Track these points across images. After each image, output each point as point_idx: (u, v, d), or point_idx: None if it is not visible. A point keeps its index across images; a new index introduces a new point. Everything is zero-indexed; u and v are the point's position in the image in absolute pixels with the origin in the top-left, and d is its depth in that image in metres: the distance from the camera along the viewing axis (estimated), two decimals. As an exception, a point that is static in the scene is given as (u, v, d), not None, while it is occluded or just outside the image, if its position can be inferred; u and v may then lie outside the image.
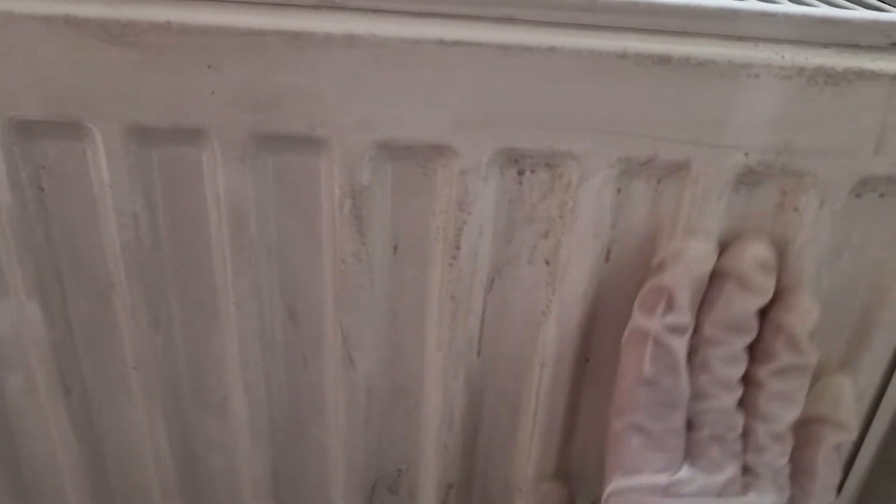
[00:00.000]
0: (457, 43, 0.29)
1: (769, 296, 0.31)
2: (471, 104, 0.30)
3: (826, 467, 0.34)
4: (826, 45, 0.30)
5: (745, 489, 0.31)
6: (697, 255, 0.31)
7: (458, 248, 0.33)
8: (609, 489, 0.31)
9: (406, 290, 0.35)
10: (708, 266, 0.31)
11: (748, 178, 0.32)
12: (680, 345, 0.31)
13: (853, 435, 0.35)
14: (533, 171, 0.32)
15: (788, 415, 0.32)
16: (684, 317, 0.31)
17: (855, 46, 0.30)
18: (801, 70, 0.30)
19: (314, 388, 0.38)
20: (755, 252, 0.31)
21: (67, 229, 0.34)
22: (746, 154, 0.31)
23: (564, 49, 0.29)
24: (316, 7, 0.29)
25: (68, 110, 0.31)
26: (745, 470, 0.32)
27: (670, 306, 0.31)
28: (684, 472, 0.30)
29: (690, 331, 0.31)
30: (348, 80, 0.30)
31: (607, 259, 0.34)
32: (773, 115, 0.30)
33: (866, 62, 0.30)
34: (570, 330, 0.35)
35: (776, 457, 0.32)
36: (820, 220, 0.33)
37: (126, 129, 0.31)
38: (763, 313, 0.32)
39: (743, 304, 0.31)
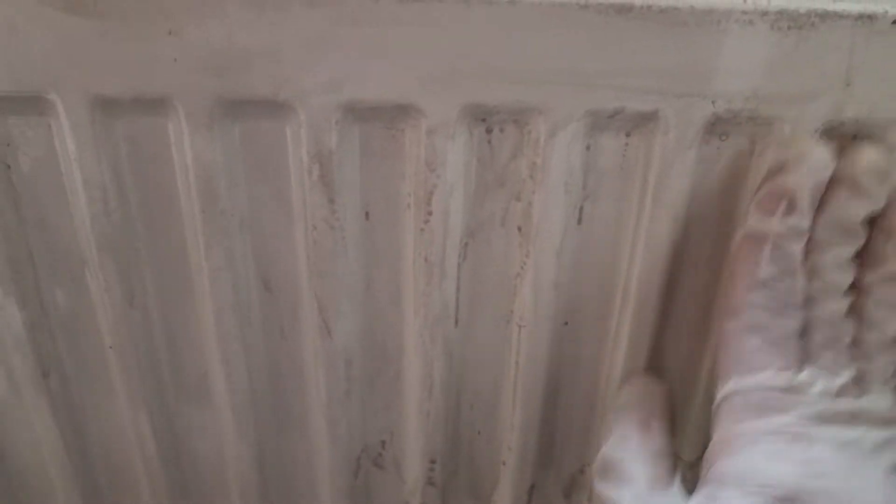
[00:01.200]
0: (417, -1, 0.29)
1: (882, 202, 0.31)
2: (435, 61, 0.30)
3: None
4: (788, -12, 0.30)
5: (860, 395, 0.31)
6: (820, 158, 0.31)
7: (429, 210, 0.33)
8: (726, 389, 0.31)
9: (380, 256, 0.35)
10: (828, 171, 0.31)
11: (719, 128, 0.32)
12: (798, 248, 0.30)
13: None
14: (501, 129, 0.32)
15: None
16: (804, 220, 0.30)
17: (817, -12, 0.30)
18: (763, 14, 0.30)
19: (293, 360, 0.38)
20: (870, 157, 0.31)
21: (36, 206, 0.34)
22: (714, 102, 0.31)
23: (525, 1, 0.29)
24: (277, -33, 0.29)
25: (29, 83, 0.30)
26: (857, 378, 0.31)
27: (791, 209, 0.30)
28: (805, 374, 0.30)
29: (807, 235, 0.31)
30: (311, 40, 0.30)
31: (580, 218, 0.34)
32: (738, 62, 0.30)
33: (829, 3, 0.30)
34: (545, 290, 0.35)
35: (886, 364, 0.31)
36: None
37: (89, 100, 0.31)
38: (872, 220, 0.31)
39: (856, 209, 0.31)
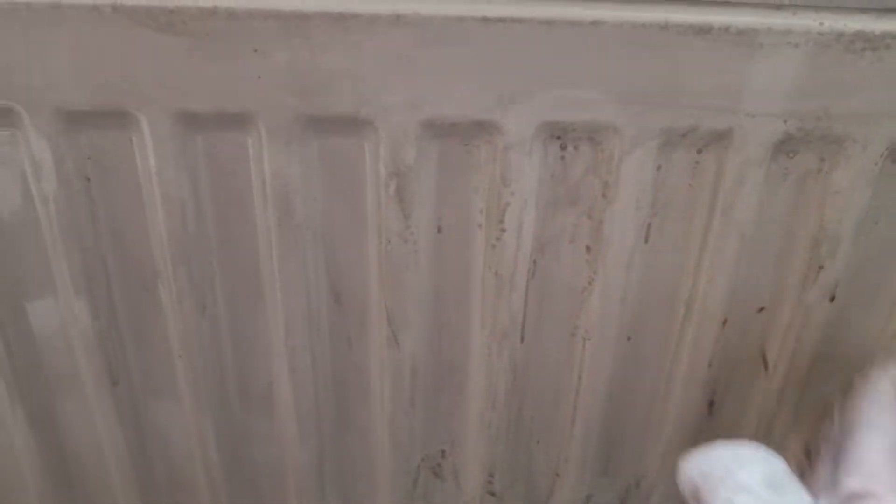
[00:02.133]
0: (500, 19, 0.29)
1: None
2: (515, 79, 0.31)
3: None
4: (864, 10, 0.30)
5: None
6: None
7: (502, 224, 0.34)
8: None
9: (450, 270, 0.35)
10: None
11: (787, 146, 0.33)
12: None
13: None
14: (575, 147, 0.33)
15: None
16: None
17: (893, 10, 0.30)
18: (839, 36, 0.30)
19: (359, 370, 0.38)
20: None
21: (113, 219, 0.34)
22: (786, 121, 0.32)
23: (608, 22, 0.30)
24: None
25: (115, 99, 0.31)
26: None
27: None
28: None
29: None
30: (393, 59, 0.30)
31: (648, 235, 0.35)
32: (812, 82, 0.31)
33: (903, 25, 0.30)
34: (612, 305, 0.36)
35: None
36: (857, 185, 0.33)
37: (173, 116, 0.31)
38: None
39: None
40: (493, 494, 0.42)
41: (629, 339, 0.37)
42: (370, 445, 0.40)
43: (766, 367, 0.38)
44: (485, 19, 0.30)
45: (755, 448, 0.30)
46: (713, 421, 0.40)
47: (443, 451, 0.41)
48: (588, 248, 0.35)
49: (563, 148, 0.33)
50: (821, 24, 0.30)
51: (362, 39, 0.30)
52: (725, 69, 0.31)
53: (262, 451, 0.41)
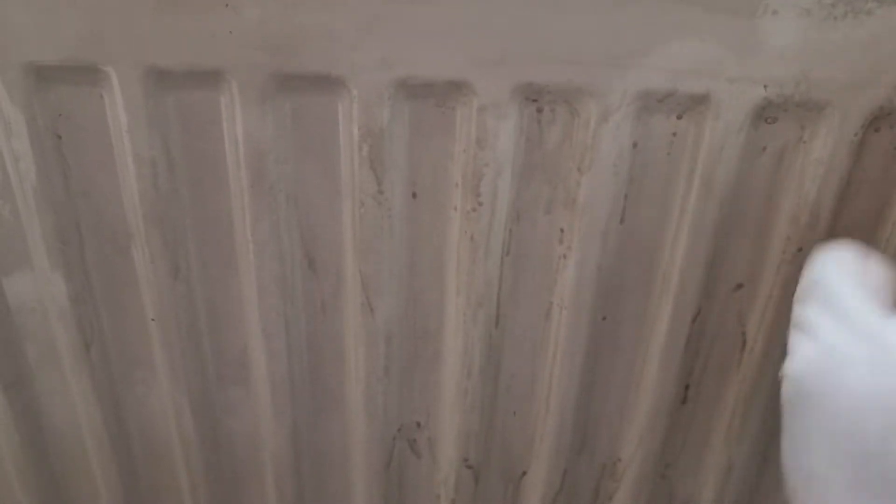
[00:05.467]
0: (475, -24, 0.29)
1: None
2: (488, 39, 0.30)
3: None
4: (845, -26, 0.30)
5: None
6: None
7: (477, 189, 0.33)
8: None
9: (425, 235, 0.35)
10: None
11: (768, 112, 0.32)
12: None
13: None
14: (552, 110, 0.32)
15: None
16: None
17: (874, -26, 0.30)
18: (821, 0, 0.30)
19: (333, 336, 0.38)
20: None
21: (85, 178, 0.34)
22: (766, 87, 0.31)
23: (582, -19, 0.29)
24: (332, -57, 0.29)
25: (84, 54, 0.31)
26: None
27: None
28: None
29: None
30: (366, 18, 0.30)
31: (626, 201, 0.34)
32: (791, 47, 0.30)
33: (885, -10, 0.30)
34: (588, 272, 0.35)
35: None
36: (837, 155, 0.33)
37: (143, 72, 0.31)
38: None
39: None
40: (469, 467, 0.41)
41: (605, 318, 0.37)
42: (345, 415, 0.40)
43: (744, 346, 0.38)
44: (458, -24, 0.29)
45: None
46: (690, 403, 0.40)
47: (418, 423, 0.41)
48: (563, 218, 0.34)
49: (539, 111, 0.32)
50: (801, -14, 0.30)
51: (335, -4, 0.29)
52: (703, 32, 0.30)
53: (238, 419, 0.40)
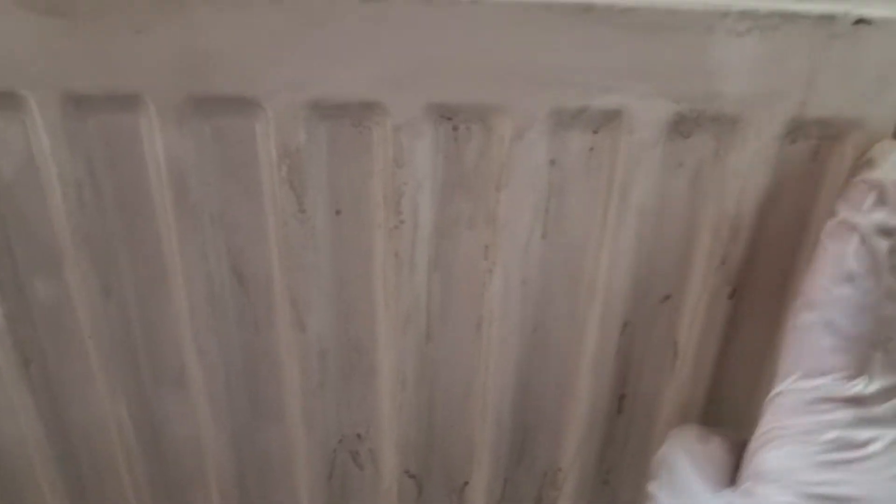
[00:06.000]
0: (380, -1, 0.29)
1: None
2: (398, 59, 0.30)
3: None
4: (751, -12, 0.30)
5: None
6: None
7: (398, 206, 0.34)
8: (786, 384, 0.30)
9: (352, 252, 0.35)
10: None
11: (682, 127, 0.32)
12: (884, 246, 0.29)
13: None
14: (468, 128, 0.33)
15: None
16: (893, 217, 0.29)
17: (780, -11, 0.30)
18: (724, 15, 0.30)
19: (268, 352, 0.38)
20: None
21: (14, 200, 0.34)
22: (677, 101, 0.31)
23: (488, 1, 0.29)
24: (240, -32, 0.29)
25: (3, 80, 0.31)
26: None
27: (881, 202, 0.29)
28: (869, 384, 0.29)
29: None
30: (274, 40, 0.30)
31: (546, 217, 0.34)
32: (700, 62, 0.30)
33: (791, 4, 0.30)
34: (513, 291, 0.36)
35: None
36: (755, 167, 0.33)
37: (61, 97, 0.31)
38: None
39: None
40: (412, 477, 0.42)
41: (534, 330, 0.37)
42: (285, 428, 0.41)
43: (675, 354, 0.38)
44: (364, -1, 0.29)
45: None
46: (626, 412, 0.40)
47: (359, 435, 0.41)
48: (486, 233, 0.35)
49: (455, 129, 0.33)
50: (705, 3, 0.30)
51: (242, 19, 0.30)
52: (612, 49, 0.30)
53: (179, 429, 0.41)
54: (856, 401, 0.29)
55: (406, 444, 0.41)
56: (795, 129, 0.32)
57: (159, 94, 0.31)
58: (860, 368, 0.29)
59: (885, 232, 0.29)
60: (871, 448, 0.29)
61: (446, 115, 0.32)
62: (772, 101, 0.31)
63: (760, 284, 0.36)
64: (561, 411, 0.40)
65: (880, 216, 0.29)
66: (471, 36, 0.30)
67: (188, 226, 0.34)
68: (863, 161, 0.31)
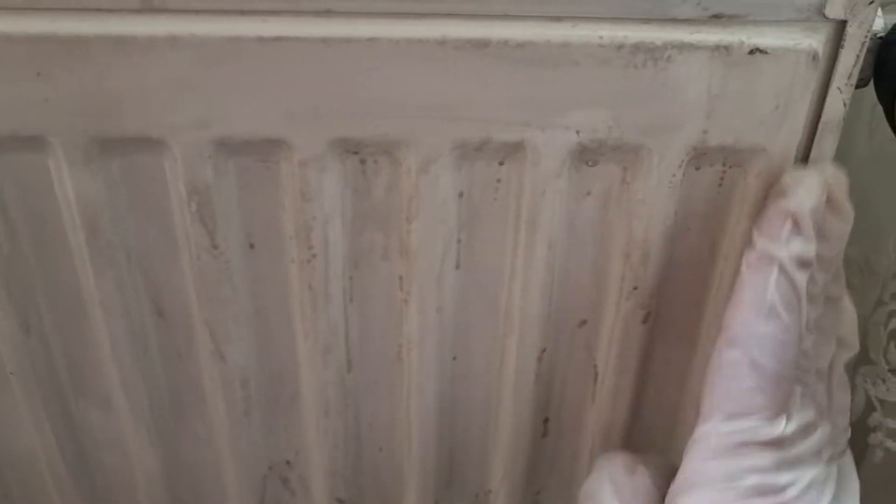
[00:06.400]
0: (276, 39, 0.30)
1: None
2: (299, 97, 0.31)
3: (840, 389, 0.33)
4: (645, 21, 0.30)
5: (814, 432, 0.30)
6: (814, 182, 0.29)
7: (309, 239, 0.34)
8: (707, 427, 0.29)
9: (267, 285, 0.36)
10: (823, 196, 0.29)
11: (587, 156, 0.33)
12: (803, 279, 0.28)
13: (856, 351, 0.34)
14: (375, 161, 0.33)
15: (827, 350, 0.31)
16: (810, 245, 0.29)
17: (673, 20, 0.30)
18: (620, 47, 0.30)
19: (192, 383, 0.38)
20: (843, 177, 0.30)
21: (-71, 240, 0.34)
22: (578, 132, 0.32)
23: (384, 39, 0.30)
24: (138, 11, 0.30)
25: None
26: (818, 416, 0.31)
27: (797, 231, 0.29)
28: (792, 425, 0.29)
29: (811, 266, 0.29)
30: (176, 80, 0.30)
31: (459, 248, 0.35)
32: (597, 93, 0.31)
33: (685, 35, 0.30)
34: (430, 322, 0.36)
35: (822, 395, 0.31)
36: (660, 194, 0.33)
37: (-33, 140, 0.31)
38: None
39: (842, 232, 0.30)
40: (342, 502, 0.42)
41: (455, 358, 0.38)
42: (214, 456, 0.41)
43: (596, 378, 0.38)
44: (260, 39, 0.30)
45: None
46: (551, 435, 0.40)
47: (288, 461, 0.41)
48: (400, 264, 0.35)
49: (362, 163, 0.33)
50: (600, 37, 0.30)
51: (143, 61, 0.30)
52: (509, 83, 0.31)
53: (110, 464, 0.41)
54: (777, 443, 0.29)
55: (335, 471, 0.41)
56: (699, 157, 0.33)
57: (64, 136, 0.32)
58: (781, 407, 0.29)
59: (803, 263, 0.29)
60: (790, 493, 0.29)
61: (352, 150, 0.32)
62: (672, 129, 0.32)
63: (674, 308, 0.36)
64: (486, 435, 0.40)
65: (797, 246, 0.29)
66: (369, 72, 0.30)
67: (103, 263, 0.34)
68: (776, 190, 0.31)
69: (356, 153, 0.33)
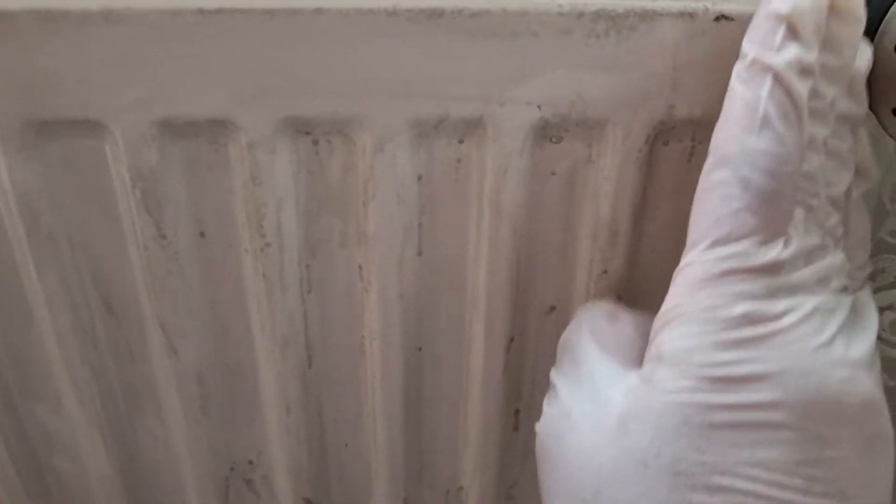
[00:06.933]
0: (218, 10, 0.28)
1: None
2: (244, 74, 0.29)
3: (858, 220, 0.30)
4: (606, -12, 0.29)
5: (823, 258, 0.27)
6: None
7: (261, 226, 0.32)
8: (694, 255, 0.26)
9: (220, 275, 0.34)
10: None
11: (550, 132, 0.31)
12: (803, 89, 0.25)
13: (876, 182, 0.31)
14: (328, 142, 0.31)
15: (842, 177, 0.28)
16: (809, 51, 0.25)
17: (636, -13, 0.29)
18: (580, 15, 0.29)
19: (146, 381, 0.37)
20: None
21: None
22: (539, 107, 0.30)
23: (332, 9, 0.28)
24: (70, -16, 0.28)
25: None
26: (824, 242, 0.27)
27: (792, 36, 0.25)
28: (791, 249, 0.26)
29: (813, 76, 0.25)
30: (114, 58, 0.29)
31: (420, 230, 0.33)
32: (558, 65, 0.29)
33: (648, 2, 0.29)
34: (392, 310, 0.34)
35: (835, 224, 0.28)
36: (626, 170, 0.32)
37: None
38: None
39: (850, 36, 0.26)
40: (308, 501, 0.41)
41: (420, 349, 0.36)
42: (172, 458, 0.39)
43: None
44: (201, 11, 0.28)
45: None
46: (522, 427, 0.39)
47: (250, 461, 0.40)
48: (359, 251, 0.33)
49: (315, 143, 0.31)
50: (559, 4, 0.29)
51: (77, 38, 0.28)
52: (465, 56, 0.29)
53: (64, 467, 0.39)
54: (772, 268, 0.26)
55: (300, 469, 0.39)
56: (666, 131, 0.31)
57: (-3, 119, 0.30)
58: (777, 230, 0.26)
59: (803, 71, 0.25)
60: (787, 319, 0.25)
61: (303, 130, 0.31)
62: (637, 102, 0.30)
63: (645, 291, 0.35)
64: (456, 429, 0.39)
65: (794, 52, 0.25)
66: (318, 46, 0.29)
67: (45, 255, 0.33)
68: None
69: (308, 133, 0.31)
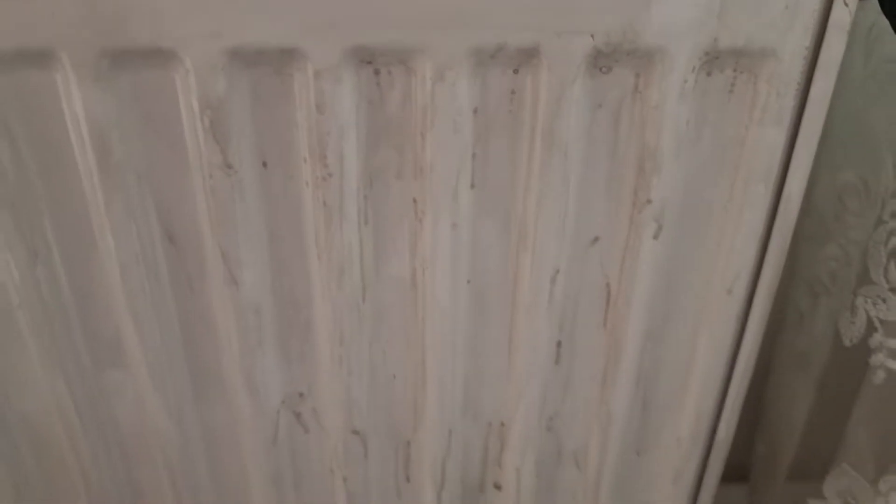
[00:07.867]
0: (291, -60, 0.29)
1: None
2: (313, 4, 0.30)
3: None
4: (658, -80, 0.30)
5: None
6: None
7: (324, 156, 0.34)
8: None
9: (280, 204, 0.35)
10: None
11: (601, 62, 0.33)
12: None
13: None
14: (389, 72, 0.33)
15: None
16: None
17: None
18: (634, -54, 0.30)
19: (204, 312, 0.38)
20: None
21: (-68, 166, 0.34)
22: (593, 36, 0.32)
23: (399, -59, 0.29)
24: (147, -85, 0.29)
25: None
26: None
27: None
28: None
29: None
30: (189, -13, 0.30)
31: (473, 157, 0.35)
32: (612, -5, 0.31)
33: (698, -65, 0.30)
34: (444, 236, 0.36)
35: None
36: (672, 100, 0.33)
37: (-30, 55, 0.31)
38: None
39: None
40: (356, 433, 0.42)
41: (468, 281, 0.37)
42: (226, 392, 0.40)
43: (609, 296, 0.38)
44: (275, -59, 0.29)
45: None
46: (564, 359, 0.41)
47: (301, 394, 0.41)
48: (415, 182, 0.35)
49: (376, 73, 0.33)
50: (614, -66, 0.30)
51: (154, -33, 0.29)
52: (525, -15, 0.31)
53: (119, 404, 0.41)
54: None
55: (348, 401, 0.41)
56: (710, 61, 0.33)
57: (72, 50, 0.31)
58: None
59: None
60: None
61: (366, 59, 0.32)
62: (685, 32, 0.32)
63: (685, 222, 0.37)
64: (500, 362, 0.40)
65: None
66: (385, -24, 0.30)
67: (113, 184, 0.34)
68: None
69: (370, 63, 0.32)
